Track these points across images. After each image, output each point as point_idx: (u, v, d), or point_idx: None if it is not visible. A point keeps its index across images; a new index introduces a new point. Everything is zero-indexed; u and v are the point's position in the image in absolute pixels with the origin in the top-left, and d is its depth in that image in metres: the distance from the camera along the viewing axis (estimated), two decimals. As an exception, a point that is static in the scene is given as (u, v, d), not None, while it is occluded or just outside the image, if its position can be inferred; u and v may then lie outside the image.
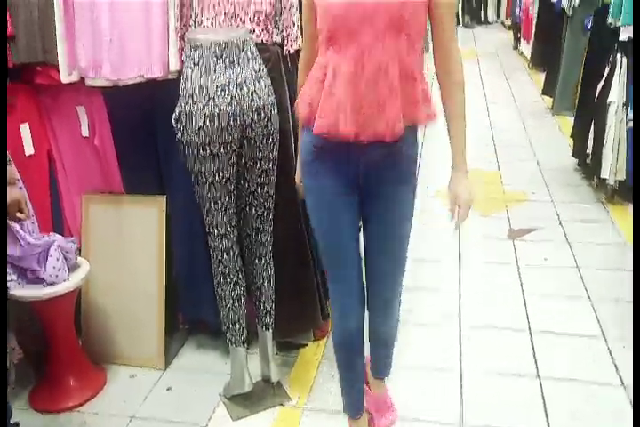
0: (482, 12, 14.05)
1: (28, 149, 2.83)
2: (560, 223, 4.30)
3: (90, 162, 3.00)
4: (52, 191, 2.97)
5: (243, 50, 2.27)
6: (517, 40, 10.43)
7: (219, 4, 2.53)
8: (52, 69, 2.72)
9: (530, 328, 3.17)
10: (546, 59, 7.51)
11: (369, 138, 1.81)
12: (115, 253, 2.99)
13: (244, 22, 2.52)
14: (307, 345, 3.06)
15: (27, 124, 2.83)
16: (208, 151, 2.25)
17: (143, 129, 2.87)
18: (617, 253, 3.87)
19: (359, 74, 1.75)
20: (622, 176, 4.10)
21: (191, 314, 3.10)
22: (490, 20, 14.13)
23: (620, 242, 4.00)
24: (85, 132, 2.95)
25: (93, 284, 2.96)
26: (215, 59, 2.22)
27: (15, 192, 2.33)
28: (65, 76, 2.69)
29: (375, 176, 1.93)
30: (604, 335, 3.08)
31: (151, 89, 2.71)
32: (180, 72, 2.59)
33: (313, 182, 2.01)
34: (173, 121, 2.32)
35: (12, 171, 2.39)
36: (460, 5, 13.73)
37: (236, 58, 2.25)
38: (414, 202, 2.04)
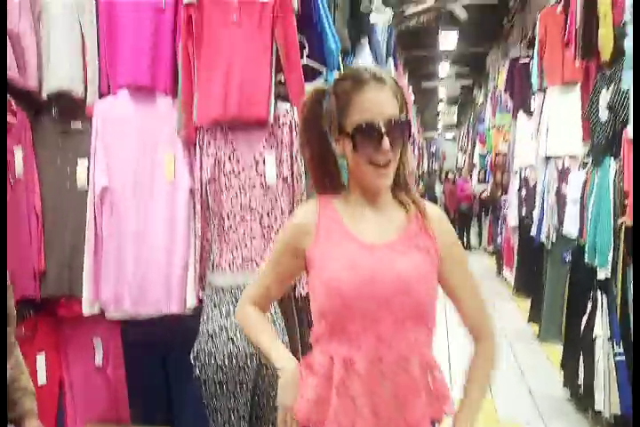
0: (464, 238, 14.84)
1: (41, 380, 2.93)
2: (560, 456, 4.26)
3: (99, 391, 3.09)
4: (59, 419, 3.01)
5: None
6: (500, 266, 10.89)
7: (236, 248, 2.80)
8: (74, 301, 2.93)
9: None
10: (530, 286, 7.82)
11: None
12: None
13: (259, 267, 2.76)
14: None
15: (43, 355, 2.95)
16: (225, 389, 2.37)
17: (157, 361, 2.99)
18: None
19: (377, 370, 1.50)
20: (617, 410, 4.14)
21: None
22: (472, 245, 14.89)
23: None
24: (99, 361, 3.07)
25: None
26: (235, 302, 2.43)
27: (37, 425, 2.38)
28: (87, 309, 2.89)
29: None
30: None
31: (167, 322, 2.88)
32: (195, 309, 2.80)
33: None
34: (192, 358, 2.47)
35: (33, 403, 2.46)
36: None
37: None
38: None
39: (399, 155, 1.54)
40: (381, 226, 1.58)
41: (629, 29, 3.36)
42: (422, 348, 1.55)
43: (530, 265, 7.81)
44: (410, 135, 1.55)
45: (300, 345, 2.75)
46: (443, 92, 19.88)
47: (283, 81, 2.79)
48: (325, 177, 1.65)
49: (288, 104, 2.81)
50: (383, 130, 1.48)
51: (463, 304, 1.66)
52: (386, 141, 1.48)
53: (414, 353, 1.52)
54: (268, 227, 2.77)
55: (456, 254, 1.64)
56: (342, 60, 3.54)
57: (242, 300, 1.76)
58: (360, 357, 1.49)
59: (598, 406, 4.24)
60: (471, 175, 15.88)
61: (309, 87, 2.86)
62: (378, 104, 1.49)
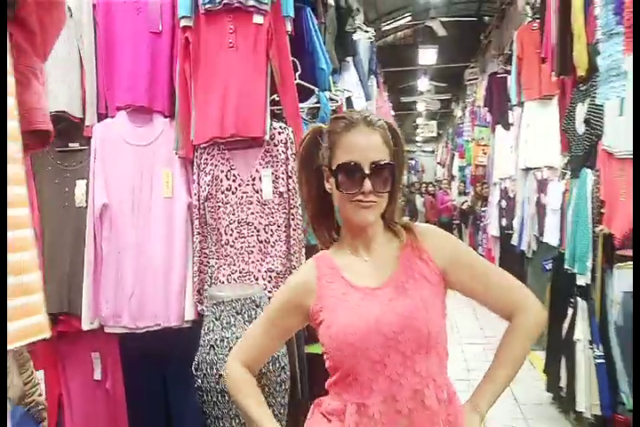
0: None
1: (40, 395, 2.97)
2: (545, 460, 4.35)
3: (99, 405, 3.12)
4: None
5: (259, 306, 2.58)
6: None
7: (234, 263, 2.89)
8: (73, 318, 2.98)
9: None
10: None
11: None
12: None
13: (257, 279, 2.85)
14: None
15: (42, 371, 2.98)
16: (227, 398, 2.44)
17: (155, 374, 3.05)
18: None
19: (392, 409, 1.49)
20: (597, 411, 4.25)
21: None
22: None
23: (607, 479, 4.04)
24: (98, 376, 3.11)
25: None
26: (235, 314, 2.52)
27: None
28: (86, 325, 2.95)
29: None
30: None
31: (166, 335, 2.94)
32: (194, 321, 2.88)
33: None
34: (193, 369, 2.54)
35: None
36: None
37: (253, 313, 2.54)
38: None
39: (387, 195, 1.55)
40: (376, 266, 1.59)
41: (602, 47, 3.52)
42: (435, 376, 1.53)
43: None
44: (395, 179, 1.54)
45: (297, 361, 2.83)
46: (422, 106, 20.10)
47: (278, 99, 2.90)
48: (322, 218, 1.66)
49: (283, 123, 2.91)
50: (366, 172, 1.49)
51: (489, 298, 1.65)
52: (367, 183, 1.49)
53: (428, 384, 1.51)
54: (265, 241, 2.86)
55: (462, 258, 1.63)
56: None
57: (232, 357, 1.71)
58: (373, 400, 1.49)
59: (580, 407, 4.35)
60: (450, 188, 16.05)
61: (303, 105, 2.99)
62: (365, 147, 1.51)
